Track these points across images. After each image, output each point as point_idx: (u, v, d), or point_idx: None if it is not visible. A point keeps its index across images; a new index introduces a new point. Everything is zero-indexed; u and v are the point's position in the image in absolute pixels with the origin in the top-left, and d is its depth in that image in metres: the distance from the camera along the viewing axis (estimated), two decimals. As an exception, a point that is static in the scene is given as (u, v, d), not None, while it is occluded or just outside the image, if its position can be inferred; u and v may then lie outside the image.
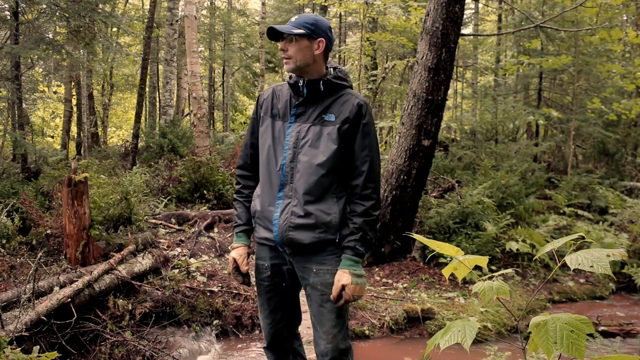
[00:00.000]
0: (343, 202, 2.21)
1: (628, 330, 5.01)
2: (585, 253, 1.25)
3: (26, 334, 3.30)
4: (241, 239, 2.34)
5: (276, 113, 2.25)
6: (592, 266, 1.21)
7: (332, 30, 2.23)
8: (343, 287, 2.11)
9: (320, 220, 2.14)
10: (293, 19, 2.17)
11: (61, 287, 4.01)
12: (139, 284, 4.62)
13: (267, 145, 2.24)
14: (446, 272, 1.44)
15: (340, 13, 15.26)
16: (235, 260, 2.30)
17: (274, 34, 2.16)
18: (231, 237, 6.80)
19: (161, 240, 6.12)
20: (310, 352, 3.11)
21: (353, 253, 2.14)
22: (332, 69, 2.23)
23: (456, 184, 7.69)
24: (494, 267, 6.20)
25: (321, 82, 2.17)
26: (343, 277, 2.11)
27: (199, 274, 5.18)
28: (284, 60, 2.18)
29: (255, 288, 2.40)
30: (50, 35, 10.09)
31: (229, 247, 2.42)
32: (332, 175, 2.16)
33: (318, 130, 2.16)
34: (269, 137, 2.24)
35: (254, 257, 2.46)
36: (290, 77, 2.23)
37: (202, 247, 6.18)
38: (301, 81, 2.18)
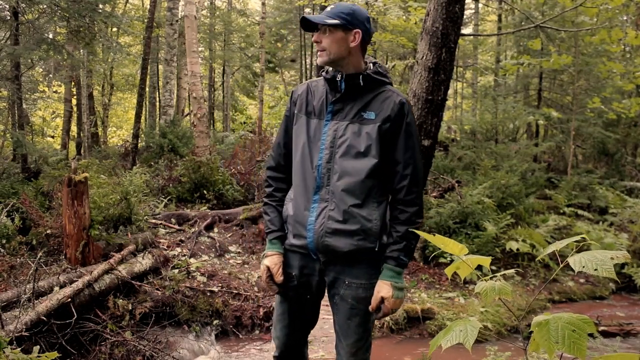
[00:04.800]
0: (384, 207, 2.04)
1: (628, 330, 5.01)
2: (588, 255, 1.24)
3: (26, 334, 3.30)
4: (275, 246, 2.15)
5: (311, 110, 2.09)
6: (596, 269, 1.21)
7: (371, 21, 2.06)
8: (382, 300, 1.97)
9: (359, 226, 1.98)
10: (329, 8, 2.01)
11: (61, 287, 4.01)
12: (139, 284, 4.62)
13: (302, 145, 2.07)
14: (449, 271, 1.44)
15: (340, 13, 15.21)
16: (269, 269, 2.12)
17: (308, 25, 2.01)
18: (231, 237, 6.79)
19: (161, 240, 6.12)
20: (310, 352, 3.10)
21: (396, 264, 1.98)
22: (371, 64, 2.07)
23: (456, 184, 7.69)
24: (494, 267, 6.20)
25: (360, 76, 2.00)
26: (383, 288, 1.97)
27: (199, 274, 5.18)
28: (318, 53, 2.03)
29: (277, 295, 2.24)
30: (51, 36, 10.08)
31: (262, 255, 2.25)
32: (373, 178, 1.99)
33: (357, 129, 1.99)
34: (304, 136, 2.07)
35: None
36: (327, 72, 2.06)
37: (202, 247, 6.18)
38: (339, 75, 2.01)
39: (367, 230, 1.99)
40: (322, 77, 2.11)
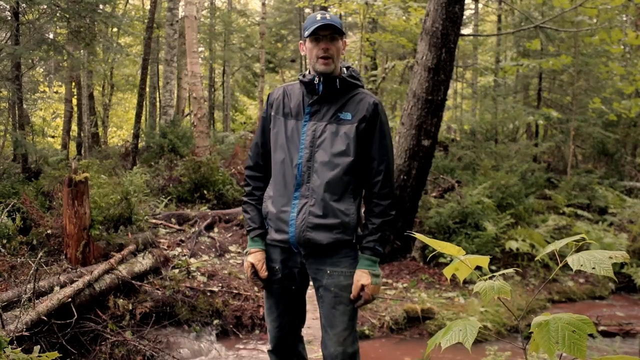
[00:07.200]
0: (358, 202, 2.21)
1: (628, 330, 5.01)
2: (587, 254, 1.25)
3: (27, 333, 3.30)
4: (257, 243, 2.27)
5: (288, 112, 2.22)
6: (594, 268, 1.21)
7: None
8: (363, 287, 2.12)
9: (339, 220, 2.12)
10: (327, 16, 2.11)
11: (61, 287, 4.01)
12: (139, 283, 4.62)
13: (280, 145, 2.20)
14: (447, 272, 1.44)
15: (340, 14, 15.26)
16: (253, 266, 2.24)
17: (317, 30, 2.08)
18: (231, 237, 6.80)
19: (161, 240, 6.12)
20: (310, 352, 3.10)
21: (372, 253, 2.14)
22: (344, 68, 2.21)
23: (456, 184, 7.69)
24: (493, 267, 6.21)
25: (337, 79, 2.15)
26: (363, 277, 2.12)
27: (199, 273, 5.18)
28: (323, 61, 2.12)
29: (264, 290, 2.35)
30: (51, 36, 10.09)
31: (244, 252, 2.34)
32: (350, 174, 2.14)
33: (335, 129, 2.14)
34: (282, 137, 2.20)
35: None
36: (305, 75, 2.20)
37: (202, 247, 6.19)
38: (317, 79, 2.15)
39: (346, 224, 2.14)
40: (298, 81, 2.24)
